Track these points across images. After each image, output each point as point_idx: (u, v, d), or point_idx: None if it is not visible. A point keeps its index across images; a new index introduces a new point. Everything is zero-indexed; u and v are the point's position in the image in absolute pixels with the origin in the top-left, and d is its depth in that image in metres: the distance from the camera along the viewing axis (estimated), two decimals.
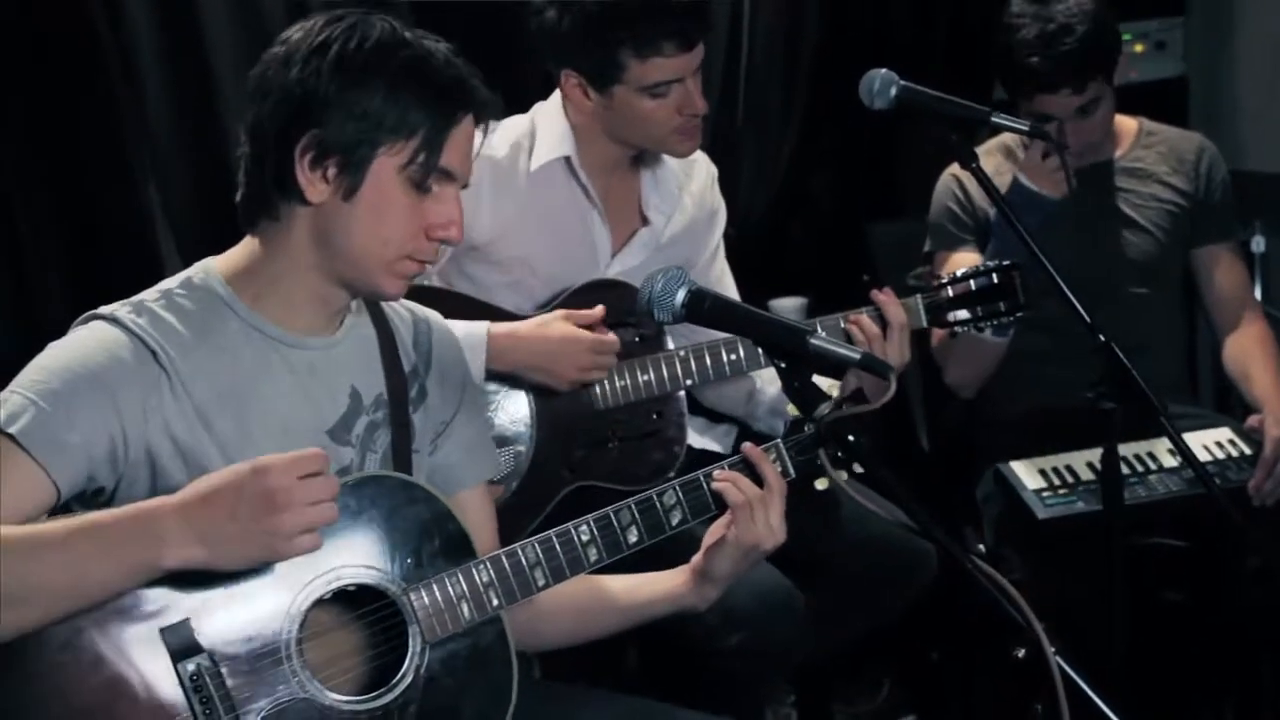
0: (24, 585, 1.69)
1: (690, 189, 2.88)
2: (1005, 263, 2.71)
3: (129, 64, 3.23)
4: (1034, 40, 2.94)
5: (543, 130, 2.75)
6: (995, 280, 2.69)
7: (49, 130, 3.16)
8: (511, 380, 2.66)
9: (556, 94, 2.77)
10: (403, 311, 2.12)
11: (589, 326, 2.63)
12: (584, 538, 2.00)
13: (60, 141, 3.18)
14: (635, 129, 2.69)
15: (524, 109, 2.80)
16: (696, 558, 2.11)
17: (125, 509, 1.75)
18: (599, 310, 2.64)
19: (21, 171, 3.15)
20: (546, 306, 2.73)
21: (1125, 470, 2.77)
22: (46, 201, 3.19)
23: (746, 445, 2.07)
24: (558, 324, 2.62)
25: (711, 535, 2.09)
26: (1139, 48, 3.21)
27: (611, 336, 2.63)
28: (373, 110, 1.84)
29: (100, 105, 3.21)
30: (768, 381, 2.88)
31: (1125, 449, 2.81)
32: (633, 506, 2.03)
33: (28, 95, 3.12)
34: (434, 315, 2.19)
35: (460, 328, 2.50)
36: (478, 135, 1.94)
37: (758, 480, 2.05)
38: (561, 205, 2.76)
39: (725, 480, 2.04)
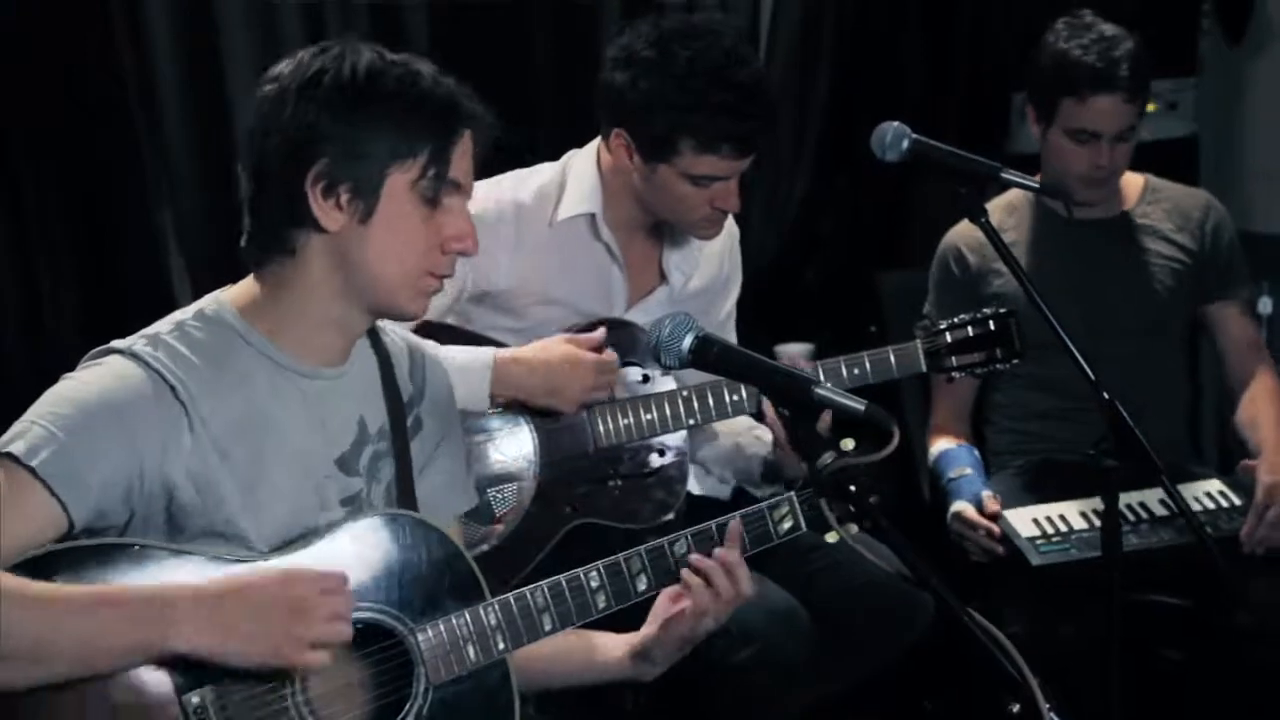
0: (38, 645, 1.69)
1: (708, 249, 2.89)
2: (1002, 310, 2.75)
3: (148, 90, 3.26)
4: (1090, 43, 2.99)
5: (573, 181, 2.76)
6: (992, 327, 2.74)
7: (68, 153, 3.19)
8: (515, 414, 2.67)
9: (591, 146, 2.78)
10: (399, 340, 2.12)
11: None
12: (593, 584, 2.00)
13: (79, 164, 3.22)
14: (665, 205, 2.71)
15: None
16: (639, 640, 2.12)
17: (144, 587, 1.76)
18: (600, 333, 2.66)
19: (40, 191, 3.19)
20: None
21: None
22: (63, 221, 3.23)
23: (733, 524, 2.08)
24: (560, 346, 2.63)
25: (656, 618, 2.10)
26: (1151, 107, 3.23)
27: (612, 355, 2.65)
28: (375, 135, 1.86)
29: (119, 130, 3.25)
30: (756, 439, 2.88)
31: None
32: (643, 554, 2.03)
33: (49, 119, 3.15)
34: (427, 345, 2.20)
35: (465, 354, 2.51)
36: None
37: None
38: (582, 256, 2.77)
39: (686, 604, 2.05)
